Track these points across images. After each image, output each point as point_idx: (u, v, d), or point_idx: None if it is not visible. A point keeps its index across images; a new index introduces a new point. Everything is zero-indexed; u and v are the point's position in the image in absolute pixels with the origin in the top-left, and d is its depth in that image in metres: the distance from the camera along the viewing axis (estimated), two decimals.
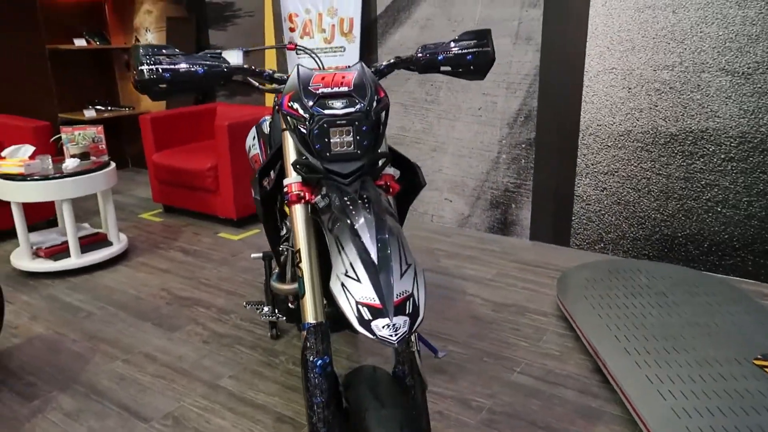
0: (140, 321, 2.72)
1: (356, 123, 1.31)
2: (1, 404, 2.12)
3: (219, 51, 1.41)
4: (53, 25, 5.03)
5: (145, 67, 1.31)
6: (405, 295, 1.06)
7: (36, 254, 3.28)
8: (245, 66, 1.41)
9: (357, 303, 1.04)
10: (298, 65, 1.42)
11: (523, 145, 3.52)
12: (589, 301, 2.56)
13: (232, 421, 2.00)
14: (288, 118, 1.33)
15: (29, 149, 3.26)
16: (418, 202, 4.02)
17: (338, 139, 1.30)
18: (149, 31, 5.19)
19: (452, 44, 1.54)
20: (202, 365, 2.35)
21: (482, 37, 1.53)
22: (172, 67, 1.32)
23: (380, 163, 1.40)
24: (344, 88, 1.35)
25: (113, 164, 3.43)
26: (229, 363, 2.36)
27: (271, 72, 1.46)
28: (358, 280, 1.06)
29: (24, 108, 4.84)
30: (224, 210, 3.90)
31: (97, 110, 5.26)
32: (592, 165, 3.31)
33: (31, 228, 3.94)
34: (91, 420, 2.03)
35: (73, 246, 3.22)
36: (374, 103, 1.34)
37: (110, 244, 3.44)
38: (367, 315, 1.03)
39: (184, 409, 2.08)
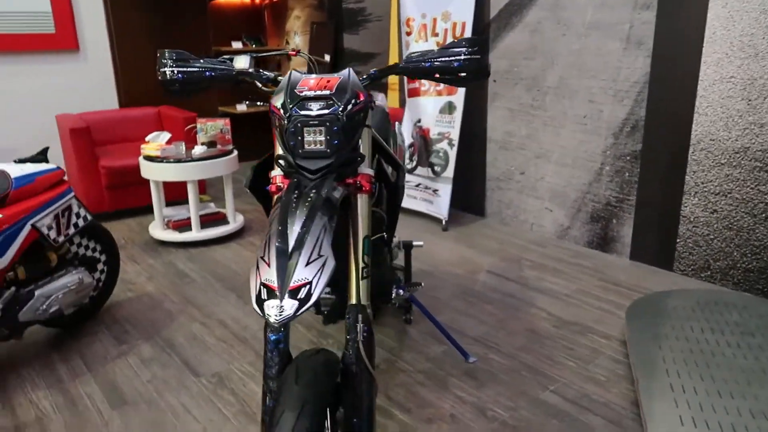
0: (229, 292, 3.08)
1: (327, 124, 1.41)
2: (99, 343, 2.58)
3: (230, 57, 1.61)
4: (219, 28, 5.74)
5: (165, 69, 1.55)
6: (303, 282, 1.15)
7: (167, 226, 3.83)
8: (250, 70, 1.59)
9: (261, 283, 1.16)
10: (291, 70, 1.56)
11: (628, 157, 3.28)
12: (655, 329, 2.36)
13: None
14: (273, 117, 1.48)
15: (166, 136, 3.82)
16: (519, 209, 3.94)
17: (311, 138, 1.42)
18: (297, 35, 5.69)
19: (439, 52, 1.56)
20: (259, 337, 2.61)
21: (474, 44, 1.53)
22: (185, 69, 1.54)
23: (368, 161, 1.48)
24: (326, 92, 1.46)
25: (236, 152, 3.87)
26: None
27: (270, 75, 1.62)
28: (268, 264, 1.18)
29: (190, 101, 5.62)
30: None
31: (248, 104, 5.90)
32: (702, 183, 2.99)
33: (169, 203, 4.58)
34: (156, 368, 2.38)
35: (195, 221, 3.72)
36: (349, 106, 1.44)
37: (227, 222, 3.89)
38: (264, 295, 1.14)
39: (230, 371, 2.34)
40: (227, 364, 2.39)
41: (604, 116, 3.35)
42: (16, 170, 2.36)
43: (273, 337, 1.42)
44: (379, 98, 2.61)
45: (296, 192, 1.34)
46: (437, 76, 1.55)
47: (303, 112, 1.42)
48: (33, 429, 2.02)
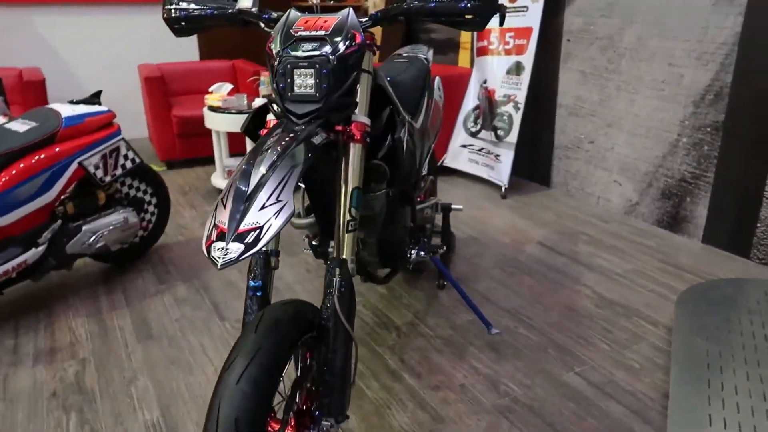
0: None
1: (317, 66, 1.33)
2: (141, 280, 2.70)
3: None
4: None
5: (171, 7, 1.53)
6: (252, 226, 1.10)
7: (227, 175, 3.93)
8: (252, 9, 1.53)
9: (213, 224, 1.12)
10: (290, 9, 1.48)
11: (708, 129, 2.94)
12: (706, 318, 2.12)
13: None
14: (267, 58, 1.42)
15: (228, 87, 3.88)
16: (586, 181, 3.68)
17: (300, 81, 1.35)
18: None
19: None
20: (292, 288, 2.62)
21: None
22: (187, 8, 1.51)
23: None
24: (320, 32, 1.38)
25: None
26: (314, 291, 2.58)
27: (270, 14, 1.55)
28: (224, 206, 1.13)
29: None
30: None
31: None
32: None
33: (234, 155, 4.69)
34: (187, 308, 2.46)
35: None
36: (341, 48, 1.35)
37: None
38: (213, 236, 1.10)
39: None
40: None
41: (684, 82, 3.01)
42: (67, 110, 2.48)
43: (252, 284, 1.39)
44: (423, 51, 2.49)
45: (274, 134, 1.28)
46: (443, 19, 1.42)
47: (294, 53, 1.35)
48: (65, 352, 2.16)
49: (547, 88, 3.82)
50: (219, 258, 1.07)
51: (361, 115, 1.43)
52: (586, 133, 3.62)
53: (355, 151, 1.42)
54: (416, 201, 2.15)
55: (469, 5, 1.40)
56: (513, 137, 3.77)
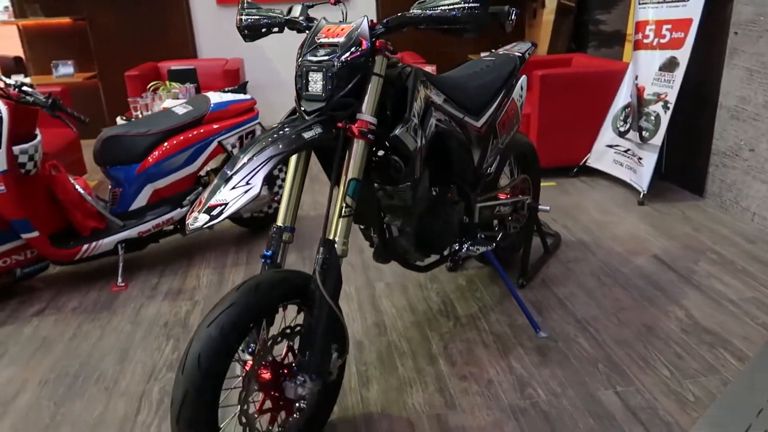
0: None
1: (324, 69, 1.52)
2: (264, 246, 3.16)
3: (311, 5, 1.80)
4: None
5: (240, 17, 1.83)
6: (220, 202, 1.34)
7: None
8: (298, 18, 1.76)
9: (199, 200, 1.39)
10: (322, 18, 1.68)
11: None
12: None
13: (355, 315, 2.48)
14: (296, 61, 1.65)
15: None
16: (742, 194, 3.24)
17: (313, 82, 1.56)
18: None
19: (443, 1, 1.45)
20: (374, 266, 2.85)
21: None
22: (249, 18, 1.80)
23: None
24: (335, 39, 1.56)
25: None
26: (394, 275, 2.77)
27: (306, 24, 1.75)
28: (211, 184, 1.40)
29: (433, 49, 5.90)
30: None
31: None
32: None
33: None
34: None
35: None
36: (346, 54, 1.52)
37: None
38: (194, 207, 1.37)
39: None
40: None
41: None
42: (216, 98, 3.00)
43: (264, 252, 1.65)
44: (522, 49, 2.49)
45: (276, 127, 1.51)
46: (441, 26, 1.49)
47: (310, 58, 1.56)
48: (186, 294, 2.68)
49: (707, 86, 3.42)
50: (189, 224, 1.34)
51: (366, 114, 1.58)
52: (746, 139, 3.18)
53: (357, 146, 1.58)
54: (475, 197, 2.21)
55: (458, 14, 1.46)
56: (658, 139, 3.46)
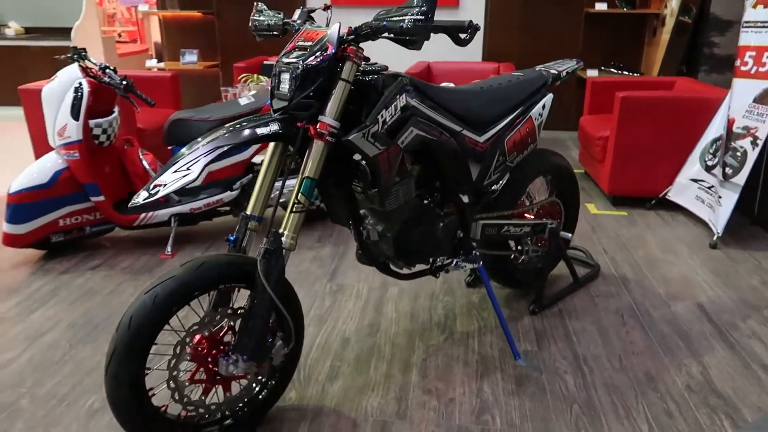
0: None
1: (289, 72, 1.61)
2: (307, 237, 3.31)
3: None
4: None
5: (251, 18, 1.96)
6: (160, 183, 1.47)
7: None
8: (295, 20, 1.85)
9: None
10: (308, 22, 1.76)
11: None
12: None
13: (355, 313, 2.54)
14: None
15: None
16: None
17: (283, 83, 1.64)
18: None
19: (397, 10, 1.44)
20: None
21: (422, 4, 1.36)
22: (256, 20, 1.92)
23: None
24: (308, 43, 1.64)
25: None
26: (413, 282, 2.78)
27: (298, 27, 1.83)
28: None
29: (547, 60, 5.71)
30: (603, 182, 3.83)
31: (606, 71, 5.59)
32: None
33: None
34: (315, 265, 2.96)
35: None
36: (310, 58, 1.59)
37: None
38: (144, 189, 1.51)
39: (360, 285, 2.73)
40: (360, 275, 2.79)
41: None
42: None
43: (229, 237, 1.77)
44: (560, 66, 2.39)
45: (240, 121, 1.62)
46: (391, 36, 1.50)
47: (284, 59, 1.65)
48: None
49: None
50: (134, 201, 1.49)
51: (328, 117, 1.64)
52: None
53: (316, 147, 1.64)
54: (473, 212, 2.16)
55: (404, 26, 1.47)
56: (741, 178, 3.11)
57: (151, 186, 1.51)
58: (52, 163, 2.90)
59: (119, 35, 9.94)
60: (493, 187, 2.22)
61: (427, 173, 2.04)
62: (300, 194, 1.65)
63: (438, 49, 5.83)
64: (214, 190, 3.13)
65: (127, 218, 2.98)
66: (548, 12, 5.65)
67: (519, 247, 2.52)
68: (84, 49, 2.90)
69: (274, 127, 1.61)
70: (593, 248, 3.15)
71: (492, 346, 2.28)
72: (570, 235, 2.46)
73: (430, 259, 2.09)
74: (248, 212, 1.77)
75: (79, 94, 2.80)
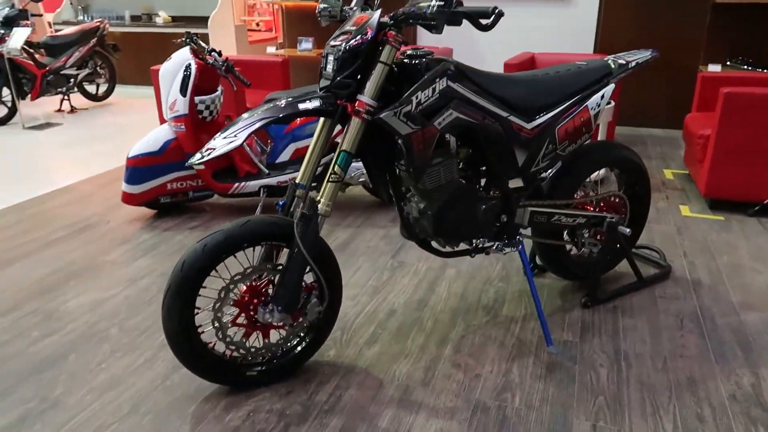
0: None
1: (334, 53, 1.77)
2: (378, 216, 3.48)
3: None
4: None
5: (317, 6, 2.14)
6: (212, 146, 1.69)
7: None
8: (351, 7, 1.99)
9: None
10: (355, 9, 1.89)
11: None
12: None
13: (408, 289, 2.68)
14: None
15: None
16: None
17: (328, 64, 1.81)
18: None
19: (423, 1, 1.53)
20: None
21: None
22: (320, 6, 2.09)
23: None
24: (353, 28, 1.79)
25: (611, 104, 3.84)
26: (470, 265, 2.84)
27: (351, 13, 1.96)
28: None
29: (666, 54, 5.40)
30: (700, 183, 3.59)
31: (733, 66, 5.15)
32: None
33: None
34: (382, 242, 3.12)
35: None
36: (351, 41, 1.73)
37: None
38: (199, 152, 1.75)
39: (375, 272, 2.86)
40: (373, 268, 2.91)
41: None
42: None
43: (279, 202, 1.98)
44: (635, 56, 2.34)
45: (287, 96, 1.81)
46: (419, 22, 1.60)
47: (331, 42, 1.82)
48: None
49: None
50: (189, 161, 1.73)
51: (365, 96, 1.78)
52: None
53: (353, 123, 1.79)
54: (519, 198, 2.19)
55: (427, 12, 1.56)
56: None
57: (205, 149, 1.74)
58: (163, 133, 3.31)
59: (257, 24, 10.76)
60: (542, 174, 2.23)
61: (475, 156, 2.11)
62: (336, 165, 1.81)
63: (546, 40, 5.72)
64: (299, 165, 3.39)
65: (223, 186, 3.33)
66: (670, 1, 5.31)
67: (575, 239, 2.50)
68: (196, 35, 3.27)
69: (315, 103, 1.78)
70: (673, 250, 3.00)
71: (533, 332, 2.30)
72: (628, 230, 2.39)
73: (472, 240, 2.16)
74: (297, 180, 1.97)
75: (188, 73, 3.18)
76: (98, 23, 6.45)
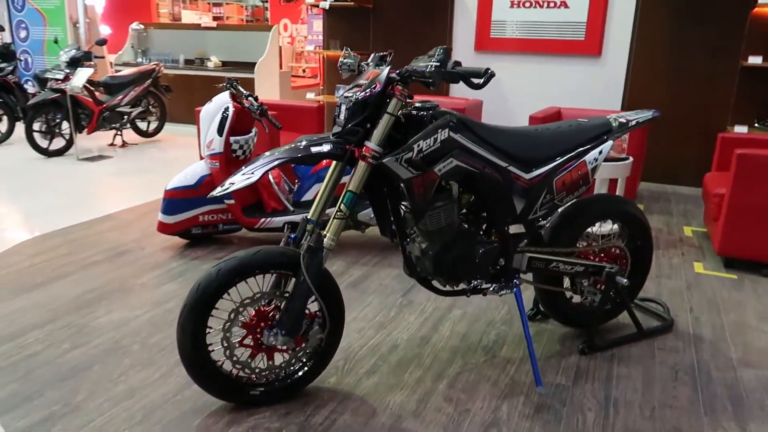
0: None
1: (346, 104, 1.97)
2: (387, 251, 3.62)
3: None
4: (755, 40, 5.19)
5: (339, 59, 2.37)
6: (231, 181, 1.90)
7: None
8: (365, 63, 2.20)
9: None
10: (368, 64, 2.11)
11: None
12: None
13: (413, 326, 2.80)
14: None
15: None
16: None
17: (341, 112, 2.01)
18: None
19: (424, 59, 1.72)
20: (467, 298, 3.06)
21: (440, 54, 1.61)
22: (342, 60, 2.31)
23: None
24: (365, 81, 2.00)
25: (631, 160, 3.95)
26: (476, 308, 2.95)
27: (365, 69, 2.17)
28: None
29: (693, 114, 5.48)
30: (715, 240, 3.63)
31: (761, 128, 5.19)
32: None
33: None
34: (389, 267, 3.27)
35: None
36: (361, 94, 1.94)
37: None
38: (219, 185, 1.95)
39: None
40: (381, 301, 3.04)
41: None
42: None
43: (291, 235, 2.16)
44: (633, 113, 2.48)
45: (304, 140, 2.01)
46: (419, 79, 1.79)
47: (345, 93, 2.03)
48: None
49: None
50: (211, 193, 1.94)
51: (372, 143, 1.97)
52: None
53: (359, 166, 1.98)
54: (516, 243, 2.32)
55: (425, 70, 1.75)
56: None
57: (226, 183, 1.95)
58: (200, 169, 3.58)
59: (303, 71, 11.33)
60: (540, 222, 2.36)
61: (476, 202, 2.27)
62: (342, 204, 1.99)
63: (575, 95, 5.88)
64: None
65: (250, 221, 3.56)
66: (699, 62, 5.43)
67: (574, 287, 2.59)
68: (236, 80, 3.57)
69: (327, 147, 1.98)
70: (679, 305, 3.04)
71: (527, 374, 2.39)
72: (626, 281, 2.48)
73: (471, 281, 2.29)
74: (309, 216, 2.15)
75: (226, 115, 3.46)
76: (154, 66, 6.96)
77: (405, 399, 2.20)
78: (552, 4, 5.81)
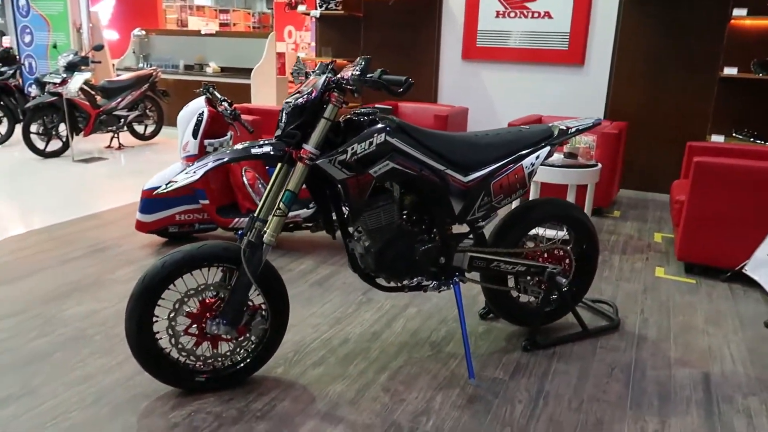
0: None
1: (285, 108, 2.10)
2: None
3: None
4: (732, 52, 5.27)
5: (291, 69, 2.50)
6: (173, 180, 2.03)
7: None
8: (312, 70, 2.33)
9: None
10: (313, 72, 2.23)
11: None
12: None
13: (367, 322, 2.92)
14: None
15: None
16: None
17: (282, 117, 2.14)
18: None
19: (350, 68, 1.84)
20: (426, 296, 3.17)
21: (361, 64, 1.75)
22: (293, 68, 2.45)
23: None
24: (305, 88, 2.13)
25: (599, 167, 4.04)
26: (434, 306, 3.06)
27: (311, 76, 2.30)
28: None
29: (673, 123, 5.56)
30: (676, 246, 3.72)
31: (737, 138, 5.26)
32: None
33: None
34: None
35: None
36: (300, 99, 2.07)
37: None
38: (163, 184, 2.09)
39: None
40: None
41: None
42: None
43: (240, 232, 2.29)
44: (576, 121, 2.59)
45: (247, 143, 2.14)
46: (345, 87, 1.93)
47: (286, 99, 2.16)
48: (282, 270, 3.45)
49: None
50: (156, 192, 2.07)
51: (309, 145, 2.09)
52: None
53: (297, 167, 2.11)
54: (456, 242, 2.43)
55: (351, 80, 1.91)
56: None
57: (168, 182, 2.09)
58: (177, 170, 3.72)
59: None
60: (480, 223, 2.47)
61: (417, 203, 2.38)
62: (281, 203, 2.12)
63: (558, 103, 5.98)
64: (295, 207, 3.73)
65: (225, 221, 3.69)
66: (678, 72, 5.52)
67: (518, 286, 2.70)
68: (213, 86, 3.72)
69: (266, 149, 2.11)
70: (631, 307, 3.13)
71: (462, 366, 2.49)
72: (564, 280, 2.57)
73: (413, 277, 2.41)
74: (255, 215, 2.28)
75: (201, 119, 3.61)
76: (152, 71, 7.15)
77: (345, 389, 2.32)
78: (536, 15, 5.93)
